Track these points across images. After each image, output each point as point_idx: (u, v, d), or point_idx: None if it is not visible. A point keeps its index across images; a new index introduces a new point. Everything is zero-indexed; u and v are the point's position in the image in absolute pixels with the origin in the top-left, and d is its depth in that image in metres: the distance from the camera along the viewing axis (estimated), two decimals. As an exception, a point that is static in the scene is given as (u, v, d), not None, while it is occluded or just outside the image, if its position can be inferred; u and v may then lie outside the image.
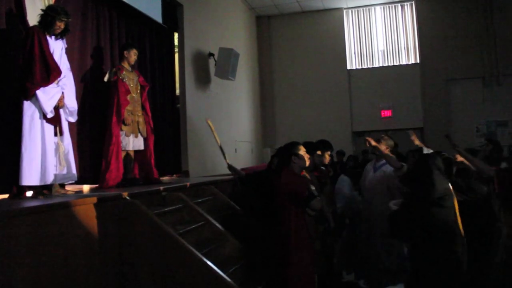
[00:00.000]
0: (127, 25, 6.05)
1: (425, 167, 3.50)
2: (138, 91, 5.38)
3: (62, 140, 3.98)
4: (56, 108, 3.93)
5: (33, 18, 4.19)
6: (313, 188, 4.45)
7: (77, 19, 4.99)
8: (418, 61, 11.75)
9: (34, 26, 3.99)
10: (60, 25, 4.04)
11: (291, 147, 4.19)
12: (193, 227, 4.34)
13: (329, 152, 5.12)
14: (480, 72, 11.26)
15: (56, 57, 3.97)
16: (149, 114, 5.50)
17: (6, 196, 3.86)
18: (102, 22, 5.52)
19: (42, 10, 4.10)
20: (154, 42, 6.75)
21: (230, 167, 5.13)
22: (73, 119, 4.21)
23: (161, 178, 5.86)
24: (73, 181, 4.31)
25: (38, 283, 2.91)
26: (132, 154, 5.32)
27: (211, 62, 8.74)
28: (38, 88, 3.76)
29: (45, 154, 3.80)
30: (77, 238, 3.30)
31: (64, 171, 3.98)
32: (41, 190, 3.89)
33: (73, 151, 4.16)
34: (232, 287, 3.53)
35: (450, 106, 11.50)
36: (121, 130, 5.09)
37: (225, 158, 5.14)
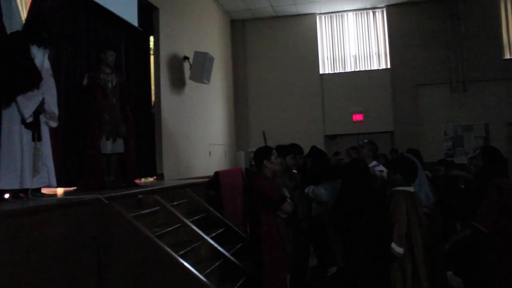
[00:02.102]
0: (104, 28, 6.07)
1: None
2: (118, 94, 5.39)
3: (40, 145, 3.99)
4: (36, 113, 3.94)
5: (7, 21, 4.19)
6: (285, 191, 4.60)
7: (54, 23, 4.98)
8: (388, 67, 12.07)
9: (15, 33, 3.99)
10: (44, 36, 4.06)
11: (264, 151, 4.34)
12: (169, 229, 4.41)
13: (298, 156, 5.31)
14: (447, 78, 11.68)
15: (37, 62, 3.98)
16: (130, 116, 5.52)
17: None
18: (78, 26, 5.53)
19: (26, 20, 4.11)
20: (130, 45, 6.77)
21: None
22: (54, 124, 4.22)
23: (137, 181, 5.90)
24: (52, 186, 4.31)
25: (17, 287, 2.93)
26: (111, 157, 5.34)
27: (186, 65, 8.80)
28: (18, 94, 3.77)
29: (23, 159, 3.81)
30: (55, 241, 3.33)
31: (42, 176, 3.99)
32: (17, 193, 3.90)
33: (51, 156, 4.16)
34: (208, 287, 3.63)
35: (419, 111, 11.86)
36: (100, 133, 5.10)
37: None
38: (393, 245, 3.88)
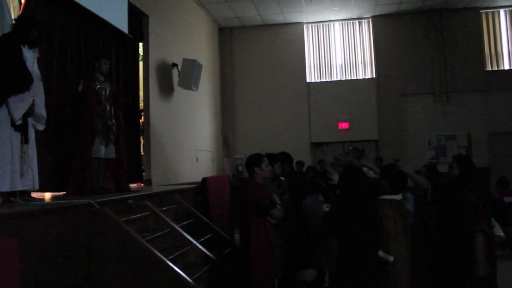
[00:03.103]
0: (94, 35, 6.11)
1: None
2: (111, 101, 5.47)
3: (27, 148, 4.01)
4: (25, 116, 3.97)
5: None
6: (276, 197, 4.70)
7: (44, 26, 5.01)
8: (374, 76, 12.28)
9: (7, 34, 4.02)
10: (34, 35, 4.10)
11: (255, 158, 4.43)
12: (159, 234, 4.46)
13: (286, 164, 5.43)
14: (431, 88, 11.96)
15: (29, 65, 4.01)
16: (122, 122, 5.60)
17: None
18: (69, 32, 5.57)
19: (15, 20, 4.15)
20: (120, 52, 6.82)
21: None
22: (41, 127, 4.25)
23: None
24: (35, 189, 4.32)
25: (8, 288, 2.96)
26: (103, 162, 5.38)
27: (175, 72, 8.87)
28: (9, 96, 3.80)
29: (13, 162, 3.83)
30: (47, 245, 3.36)
31: (27, 179, 4.00)
32: (8, 197, 3.92)
33: (36, 159, 4.18)
34: (198, 291, 3.69)
35: (404, 120, 12.08)
36: (92, 138, 5.15)
37: None
38: (381, 252, 3.96)
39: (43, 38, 4.34)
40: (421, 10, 11.90)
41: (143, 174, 7.55)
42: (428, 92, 11.99)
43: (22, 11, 4.75)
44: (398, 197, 4.18)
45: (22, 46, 4.02)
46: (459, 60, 11.84)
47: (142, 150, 7.65)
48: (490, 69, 11.96)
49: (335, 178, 4.98)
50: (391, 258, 3.91)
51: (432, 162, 5.28)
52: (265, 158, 4.45)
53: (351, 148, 5.31)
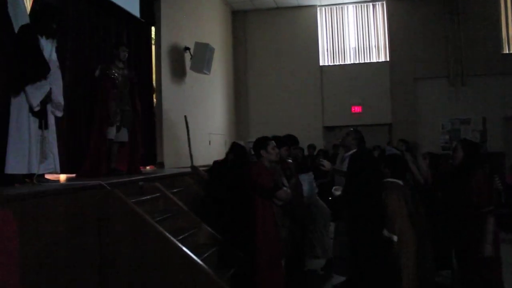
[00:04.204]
0: (106, 19, 6.17)
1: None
2: (128, 87, 5.62)
3: (47, 134, 4.14)
4: (43, 103, 4.08)
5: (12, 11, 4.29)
6: (284, 180, 4.76)
7: (63, 20, 5.09)
8: (387, 59, 12.17)
9: (25, 26, 4.11)
10: (52, 27, 4.19)
11: (261, 141, 4.49)
12: (169, 215, 4.57)
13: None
14: (445, 72, 11.79)
15: (46, 54, 4.11)
16: (139, 109, 5.75)
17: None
18: (81, 18, 5.64)
19: (35, 10, 4.24)
20: (132, 36, 6.88)
21: (193, 167, 5.61)
22: (60, 113, 4.37)
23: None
24: (57, 172, 4.46)
25: (22, 267, 3.07)
26: (116, 145, 5.53)
27: (187, 56, 8.90)
28: (27, 84, 3.91)
29: (31, 145, 3.96)
30: (59, 223, 3.47)
31: (49, 162, 4.14)
32: (23, 178, 4.05)
33: (56, 144, 4.31)
34: (206, 271, 3.79)
35: (417, 104, 11.98)
36: (107, 121, 5.28)
37: (191, 158, 5.52)
38: (385, 231, 4.04)
39: (60, 30, 4.43)
40: (437, -8, 11.72)
41: (156, 157, 7.66)
42: (443, 76, 11.84)
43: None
44: (401, 182, 4.27)
45: (40, 37, 4.12)
46: (474, 43, 11.62)
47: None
48: (507, 52, 11.73)
49: (326, 164, 5.05)
50: (395, 238, 3.99)
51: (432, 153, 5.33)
52: (272, 141, 4.51)
53: (351, 129, 5.32)
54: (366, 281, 4.12)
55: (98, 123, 5.22)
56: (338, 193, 4.90)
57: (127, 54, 5.64)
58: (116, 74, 5.47)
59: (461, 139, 4.62)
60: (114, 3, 6.21)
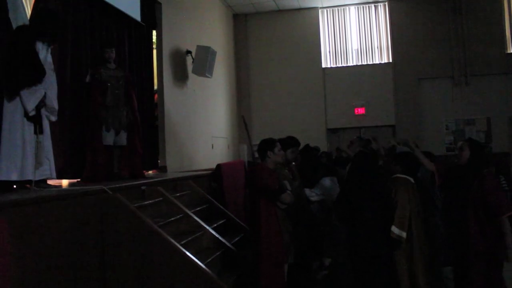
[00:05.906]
0: (107, 23, 6.14)
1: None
2: (123, 88, 5.52)
3: (42, 139, 4.07)
4: (38, 107, 4.02)
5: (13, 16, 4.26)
6: (287, 183, 4.70)
7: (60, 19, 5.05)
8: (390, 61, 12.11)
9: (22, 28, 4.06)
10: (50, 32, 4.14)
11: (268, 143, 4.44)
12: (172, 219, 4.51)
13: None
14: (449, 72, 11.71)
15: (41, 57, 4.05)
16: (135, 110, 5.65)
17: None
18: (81, 21, 5.60)
19: (34, 14, 4.19)
20: (133, 40, 6.85)
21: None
22: (54, 118, 4.30)
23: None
24: (53, 178, 4.40)
25: (24, 273, 3.03)
26: (117, 150, 5.47)
27: (189, 59, 8.88)
28: (22, 88, 3.85)
29: (24, 151, 3.88)
30: (61, 229, 3.42)
31: (44, 168, 4.08)
32: (24, 184, 4.00)
33: (52, 149, 4.25)
34: (210, 276, 3.73)
35: (421, 105, 11.90)
36: (100, 126, 5.22)
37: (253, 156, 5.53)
38: (394, 228, 3.96)
39: (59, 35, 4.38)
40: (439, -8, 11.67)
41: (158, 161, 7.62)
42: (447, 76, 11.77)
43: (36, 0, 4.78)
44: (411, 179, 4.22)
45: (36, 41, 4.06)
46: (478, 42, 11.55)
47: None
48: (511, 51, 11.63)
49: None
50: (404, 234, 3.92)
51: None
52: (278, 143, 4.46)
53: (355, 137, 5.31)
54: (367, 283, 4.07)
55: (91, 129, 5.18)
56: (314, 198, 4.94)
57: (113, 54, 5.55)
58: (107, 77, 5.38)
59: (468, 138, 4.55)
60: (115, 7, 6.17)
